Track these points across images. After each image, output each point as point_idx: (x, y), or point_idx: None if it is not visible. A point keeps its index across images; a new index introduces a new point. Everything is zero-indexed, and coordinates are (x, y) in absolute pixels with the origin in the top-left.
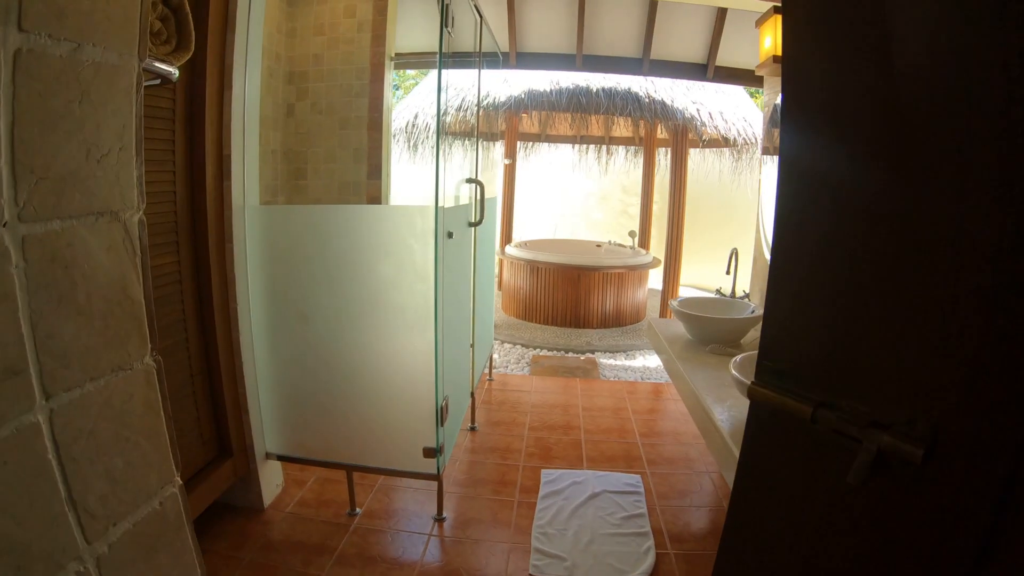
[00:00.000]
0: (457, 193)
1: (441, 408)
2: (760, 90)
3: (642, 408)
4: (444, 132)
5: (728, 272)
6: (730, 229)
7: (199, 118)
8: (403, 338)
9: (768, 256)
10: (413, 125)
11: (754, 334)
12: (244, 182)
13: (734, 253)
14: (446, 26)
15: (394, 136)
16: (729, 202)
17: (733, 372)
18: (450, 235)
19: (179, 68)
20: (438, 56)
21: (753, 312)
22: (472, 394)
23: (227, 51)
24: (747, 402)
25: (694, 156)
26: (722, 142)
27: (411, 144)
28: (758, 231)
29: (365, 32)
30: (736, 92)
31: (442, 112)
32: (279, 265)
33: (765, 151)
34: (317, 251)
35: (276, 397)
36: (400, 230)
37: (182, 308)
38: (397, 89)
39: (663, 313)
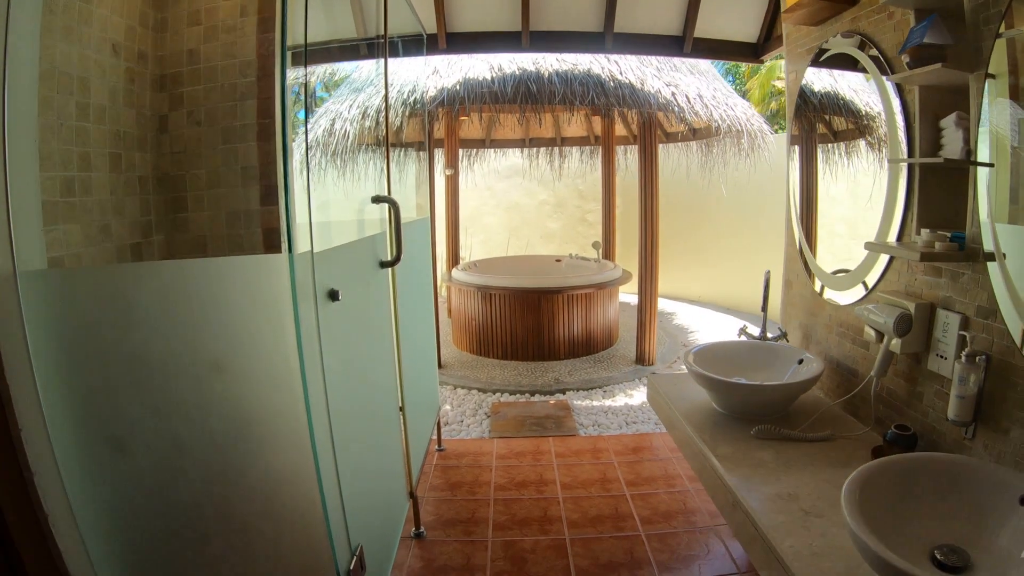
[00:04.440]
0: (362, 218)
1: (349, 573)
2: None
3: (638, 476)
4: (358, 143)
5: (763, 308)
6: (702, 232)
7: None
8: (267, 465)
9: (814, 278)
10: (330, 133)
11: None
12: (11, 233)
13: (767, 278)
14: None
15: (313, 147)
16: (696, 201)
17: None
18: (334, 296)
19: None
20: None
21: (802, 363)
22: (412, 494)
23: None
24: None
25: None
26: (705, 132)
27: (333, 156)
28: (792, 243)
29: (250, 16)
30: (709, 73)
31: (350, 114)
32: (85, 363)
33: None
34: (120, 341)
35: (112, 554)
36: (241, 300)
37: None
38: (321, 90)
39: (644, 336)
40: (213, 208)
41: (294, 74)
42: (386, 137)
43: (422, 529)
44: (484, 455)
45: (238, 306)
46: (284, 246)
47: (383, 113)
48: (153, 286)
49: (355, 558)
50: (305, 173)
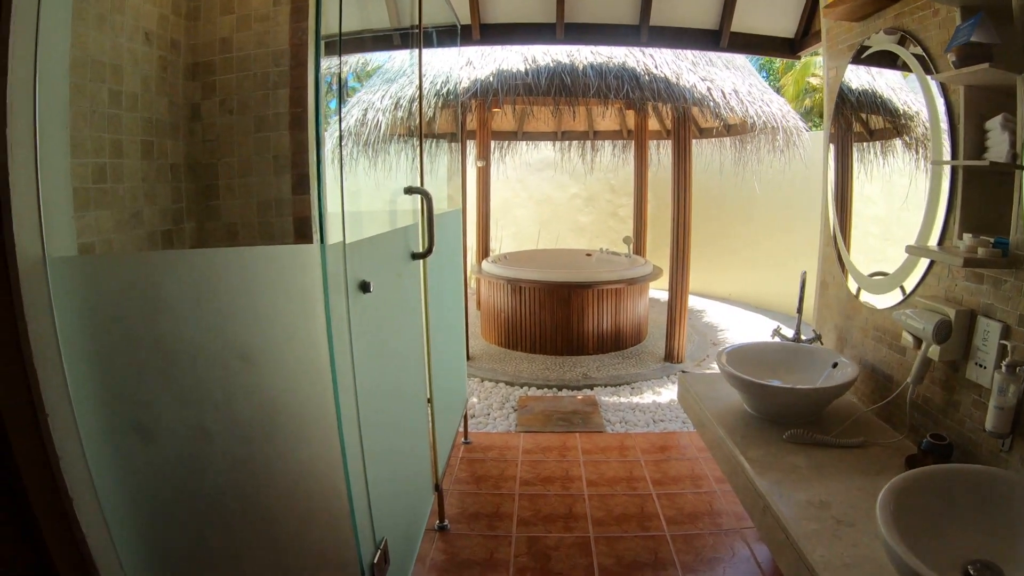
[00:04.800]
0: (392, 208)
1: (372, 566)
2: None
3: (665, 475)
4: (390, 134)
5: (798, 309)
6: (733, 229)
7: None
8: (293, 454)
9: (849, 279)
10: (362, 123)
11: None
12: (41, 219)
13: (803, 279)
14: None
15: (345, 137)
16: (728, 198)
17: None
18: (365, 288)
19: None
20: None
21: (837, 366)
22: (437, 487)
23: None
24: None
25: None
26: (739, 128)
27: (364, 147)
28: (829, 243)
29: (283, 5)
30: (744, 68)
31: (383, 104)
32: (112, 350)
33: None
34: (148, 329)
35: (138, 548)
36: (271, 290)
37: None
38: (353, 80)
39: (673, 334)
40: (244, 196)
41: (327, 63)
42: (419, 128)
43: (446, 522)
44: (510, 449)
45: (268, 296)
46: (316, 236)
47: (415, 104)
48: (183, 274)
49: (379, 551)
50: (337, 163)
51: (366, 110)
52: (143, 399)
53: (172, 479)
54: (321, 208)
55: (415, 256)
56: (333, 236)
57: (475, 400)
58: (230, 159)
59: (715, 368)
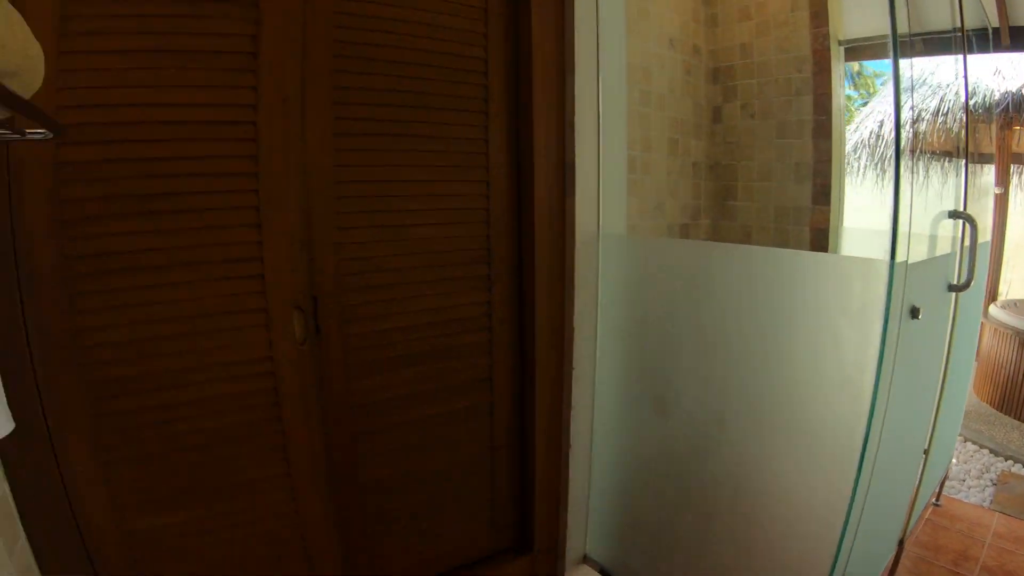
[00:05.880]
0: (933, 233)
1: None
2: None
3: None
4: (909, 148)
5: None
6: None
7: (525, 109)
8: (798, 462)
9: None
10: (878, 136)
11: None
12: (600, 201)
13: None
14: None
15: (854, 150)
16: None
17: None
18: (915, 314)
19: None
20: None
21: None
22: (901, 541)
23: (565, 19)
24: None
25: None
26: None
27: (876, 162)
28: None
29: (801, 10)
30: None
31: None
32: (639, 325)
33: None
34: (690, 313)
35: (610, 499)
36: (821, 297)
37: (489, 363)
38: (854, 89)
39: None
40: (761, 200)
41: (848, 69)
42: (965, 146)
43: None
44: (980, 528)
45: (819, 304)
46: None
47: (945, 117)
48: (734, 266)
49: None
50: (890, 176)
51: (882, 121)
52: (664, 375)
53: (679, 456)
54: (896, 223)
55: (951, 288)
56: (893, 253)
57: (953, 460)
58: (750, 162)
59: None
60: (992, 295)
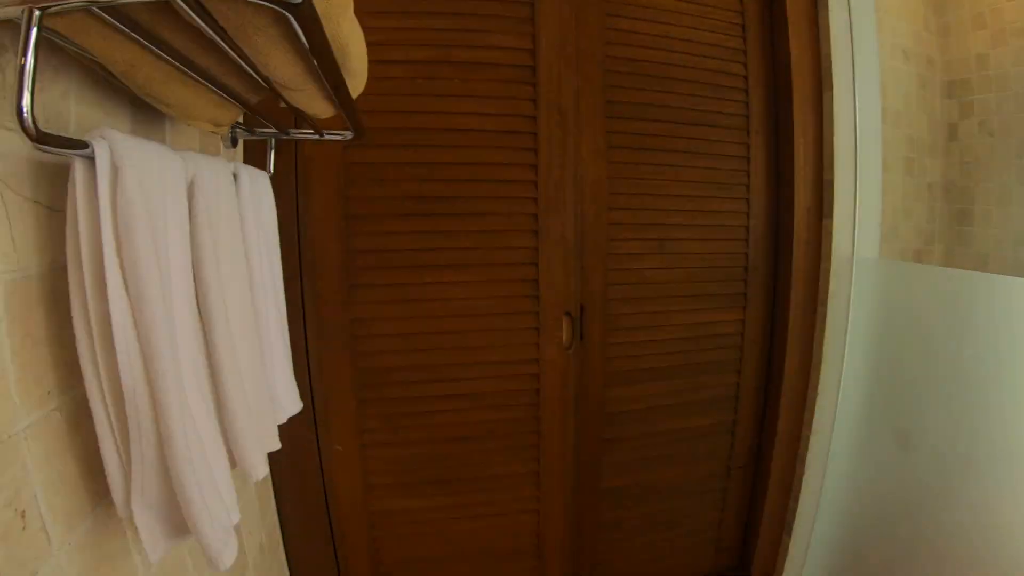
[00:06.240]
0: None
1: None
2: None
3: None
4: None
5: None
6: None
7: (784, 126)
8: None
9: None
10: None
11: None
12: (855, 222)
13: None
14: None
15: None
16: None
17: None
18: None
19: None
20: None
21: None
22: None
23: (820, 35)
24: None
25: None
26: None
27: None
28: None
29: None
30: None
31: None
32: (889, 353)
33: None
34: (947, 344)
35: (835, 532)
36: None
37: (736, 381)
38: None
39: None
40: (1001, 227)
41: None
42: None
43: None
44: None
45: None
46: None
47: None
48: (996, 300)
49: None
50: None
51: None
52: (909, 406)
53: (918, 495)
54: None
55: None
56: None
57: None
58: (988, 184)
59: None
60: None
